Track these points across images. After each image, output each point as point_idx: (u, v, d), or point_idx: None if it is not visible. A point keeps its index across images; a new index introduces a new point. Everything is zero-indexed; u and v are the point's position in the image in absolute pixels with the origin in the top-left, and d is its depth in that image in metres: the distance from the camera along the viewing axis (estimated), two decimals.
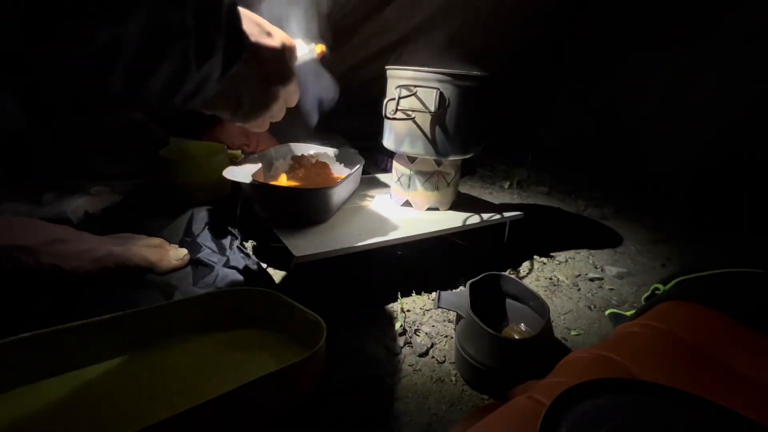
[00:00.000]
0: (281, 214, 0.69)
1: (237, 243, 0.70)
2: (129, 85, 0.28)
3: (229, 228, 0.74)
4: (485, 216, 0.83)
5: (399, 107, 0.73)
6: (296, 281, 0.69)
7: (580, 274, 0.87)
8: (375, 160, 1.29)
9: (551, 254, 0.93)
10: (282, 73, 0.42)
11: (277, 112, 0.46)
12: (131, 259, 0.60)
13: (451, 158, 0.78)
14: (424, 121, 0.74)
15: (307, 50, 0.52)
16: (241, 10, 0.36)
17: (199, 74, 0.31)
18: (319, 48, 0.53)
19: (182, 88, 0.31)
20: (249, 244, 0.81)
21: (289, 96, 0.46)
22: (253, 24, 0.38)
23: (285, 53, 0.41)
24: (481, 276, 0.62)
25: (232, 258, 0.67)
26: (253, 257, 0.68)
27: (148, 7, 0.26)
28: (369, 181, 1.00)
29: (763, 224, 1.13)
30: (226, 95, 0.39)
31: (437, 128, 0.74)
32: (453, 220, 0.80)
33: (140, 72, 0.28)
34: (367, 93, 0.99)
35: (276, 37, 0.40)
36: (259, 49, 0.38)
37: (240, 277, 0.63)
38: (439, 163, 0.80)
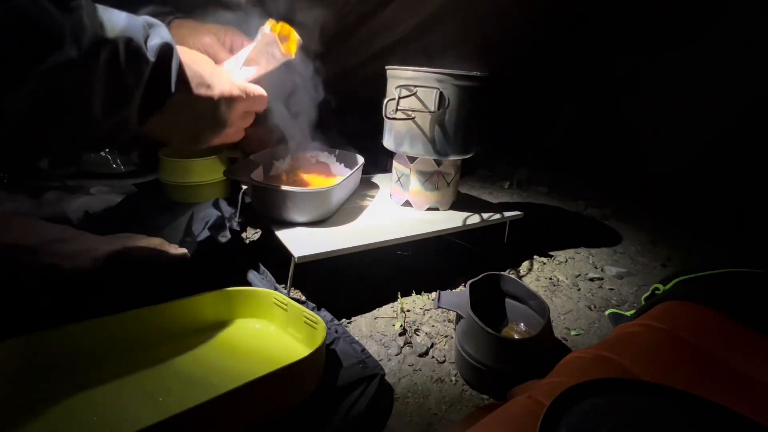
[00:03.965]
0: (281, 214, 0.69)
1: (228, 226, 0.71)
2: (26, 141, 0.28)
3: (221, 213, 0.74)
4: (485, 216, 0.83)
5: (399, 107, 0.73)
6: (296, 281, 0.69)
7: (580, 274, 0.87)
8: (375, 160, 1.29)
9: (551, 254, 0.93)
10: (214, 123, 0.43)
11: (216, 142, 0.47)
12: (131, 258, 0.60)
13: (451, 158, 0.78)
14: (424, 121, 0.74)
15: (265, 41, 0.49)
16: (185, 56, 0.36)
17: (110, 122, 0.32)
18: (272, 25, 0.50)
19: (90, 135, 0.31)
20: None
21: (229, 135, 0.48)
22: (194, 74, 0.38)
23: (221, 105, 0.42)
24: (481, 276, 0.62)
25: (201, 237, 0.67)
26: (227, 232, 0.68)
27: (39, 79, 0.25)
28: (369, 181, 1.00)
29: (761, 224, 1.13)
30: (157, 128, 0.40)
31: (437, 128, 0.74)
32: (453, 220, 0.80)
33: (34, 128, 0.28)
34: (367, 93, 0.99)
35: (214, 90, 0.40)
36: (193, 98, 0.39)
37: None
38: (439, 163, 0.80)
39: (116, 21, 0.30)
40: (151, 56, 0.32)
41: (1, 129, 0.26)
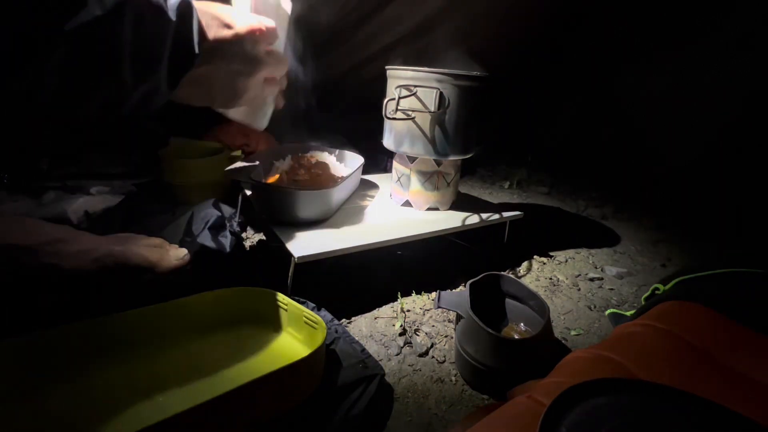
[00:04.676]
0: (281, 214, 0.69)
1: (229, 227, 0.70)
2: (61, 109, 0.29)
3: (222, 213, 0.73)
4: (485, 216, 0.83)
5: (399, 107, 0.73)
6: (296, 281, 0.69)
7: (580, 274, 0.87)
8: (375, 160, 1.29)
9: (551, 254, 0.93)
10: (247, 63, 0.41)
11: (261, 94, 0.46)
12: (131, 259, 0.60)
13: (451, 158, 0.78)
14: (424, 121, 0.74)
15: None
16: (198, 6, 0.35)
17: (140, 90, 0.32)
18: None
19: (124, 102, 0.31)
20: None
21: (264, 81, 0.45)
22: (211, 18, 0.37)
23: (247, 42, 0.40)
24: (481, 276, 0.62)
25: (201, 237, 0.66)
26: (230, 237, 0.68)
27: (66, 46, 0.26)
28: (369, 181, 1.00)
29: (761, 224, 1.13)
30: (194, 92, 0.39)
31: (437, 128, 0.74)
32: (453, 220, 0.80)
33: (69, 99, 0.28)
34: (367, 93, 0.99)
35: (237, 27, 0.39)
36: (218, 44, 0.37)
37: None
38: (439, 163, 0.80)
39: None
40: (173, 15, 0.32)
41: (42, 99, 0.27)
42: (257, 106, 0.51)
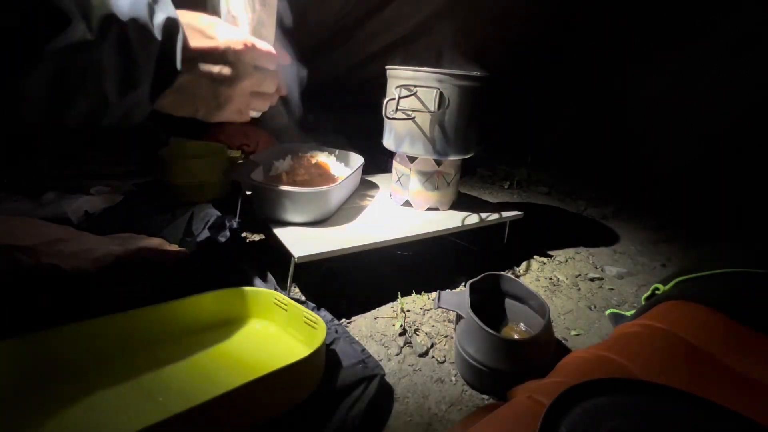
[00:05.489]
0: (281, 214, 0.69)
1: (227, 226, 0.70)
2: (44, 118, 0.29)
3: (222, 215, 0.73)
4: (485, 216, 0.83)
5: (399, 107, 0.73)
6: (296, 281, 0.69)
7: (580, 274, 0.87)
8: (375, 160, 1.29)
9: (551, 254, 0.93)
10: (229, 74, 0.41)
11: (246, 107, 0.46)
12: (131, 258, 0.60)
13: (451, 158, 0.78)
14: (424, 121, 0.74)
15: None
16: (183, 19, 0.36)
17: (124, 102, 0.32)
18: None
19: (105, 116, 0.32)
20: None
21: (250, 92, 0.45)
22: (192, 30, 0.38)
23: (228, 54, 0.40)
24: (481, 276, 0.62)
25: (201, 237, 0.66)
26: (227, 232, 0.67)
27: (47, 64, 0.26)
28: (369, 181, 1.00)
29: (762, 224, 1.13)
30: (177, 100, 0.40)
31: (437, 128, 0.74)
32: (453, 220, 0.80)
33: (53, 108, 0.29)
34: (367, 93, 0.99)
35: (217, 38, 0.39)
36: (198, 53, 0.38)
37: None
38: (439, 163, 0.80)
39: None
40: (158, 34, 0.32)
41: (23, 111, 0.27)
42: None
